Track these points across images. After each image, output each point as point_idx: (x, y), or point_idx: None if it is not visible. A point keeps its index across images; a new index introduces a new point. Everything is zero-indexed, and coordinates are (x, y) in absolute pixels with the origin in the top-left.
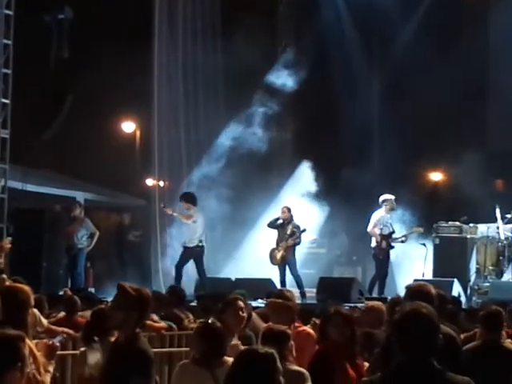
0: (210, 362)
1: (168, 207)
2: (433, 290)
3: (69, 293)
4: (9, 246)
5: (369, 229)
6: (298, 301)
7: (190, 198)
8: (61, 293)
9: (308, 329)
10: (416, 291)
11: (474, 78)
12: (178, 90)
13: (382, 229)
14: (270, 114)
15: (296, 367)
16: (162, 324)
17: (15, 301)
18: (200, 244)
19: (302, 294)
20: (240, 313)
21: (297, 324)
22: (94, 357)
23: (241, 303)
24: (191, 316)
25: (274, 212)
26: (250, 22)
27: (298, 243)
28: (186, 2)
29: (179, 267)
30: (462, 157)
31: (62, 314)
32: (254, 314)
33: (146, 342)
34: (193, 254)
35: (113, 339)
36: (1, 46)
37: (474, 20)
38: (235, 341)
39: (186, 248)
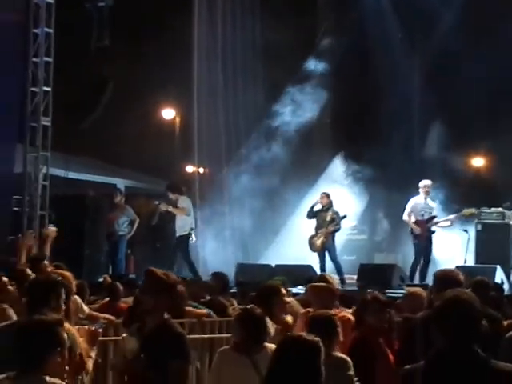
0: (249, 349)
1: (163, 203)
2: (461, 276)
3: (108, 279)
4: (54, 233)
5: (403, 217)
6: (338, 287)
7: (175, 188)
8: (100, 279)
9: (348, 314)
10: (444, 278)
11: None
12: (217, 76)
13: (423, 215)
14: (309, 98)
15: (340, 354)
16: (203, 310)
17: None
18: (190, 231)
19: (342, 281)
20: (285, 300)
21: (337, 310)
22: (132, 343)
23: (284, 291)
24: (235, 303)
25: (314, 198)
26: (290, 4)
27: (338, 229)
28: None
29: (187, 259)
30: (504, 142)
31: (105, 300)
32: (293, 301)
33: (178, 326)
34: (184, 241)
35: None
36: (42, 34)
37: None
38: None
39: (180, 237)
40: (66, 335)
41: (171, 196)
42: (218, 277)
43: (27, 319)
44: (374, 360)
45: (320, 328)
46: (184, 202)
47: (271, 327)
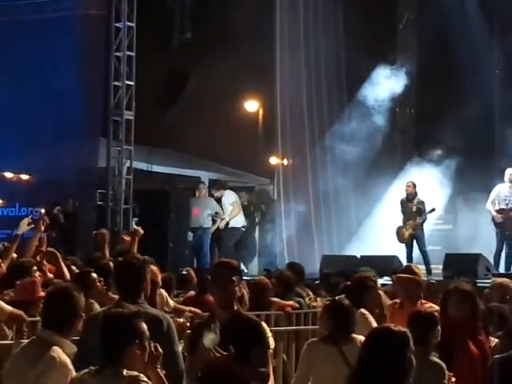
0: (338, 339)
1: (219, 217)
2: None
3: (191, 273)
4: (142, 231)
5: (487, 205)
6: (424, 277)
7: (217, 184)
8: (184, 272)
9: (435, 306)
10: None
11: None
12: (299, 68)
13: (507, 203)
14: (391, 91)
15: (436, 359)
16: (290, 302)
17: None
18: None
19: (428, 271)
20: (378, 292)
21: (423, 301)
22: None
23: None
24: (311, 293)
25: (399, 188)
26: None
27: (425, 219)
28: None
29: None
30: None
31: (192, 293)
32: (381, 292)
33: (250, 316)
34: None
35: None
36: (124, 28)
37: None
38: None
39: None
40: (144, 326)
41: (216, 193)
42: (293, 267)
43: (105, 313)
44: (454, 352)
45: (420, 325)
46: (230, 196)
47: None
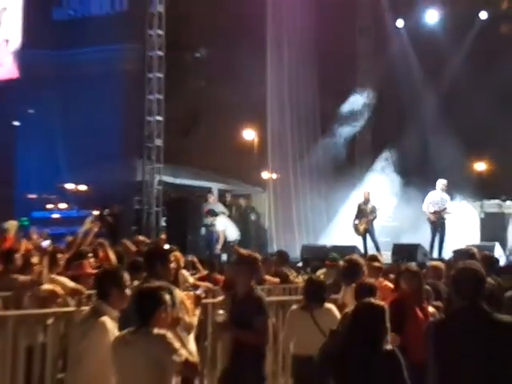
0: (311, 307)
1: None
2: (475, 251)
3: (194, 259)
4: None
5: (423, 207)
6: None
7: (211, 212)
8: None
9: (388, 283)
10: (462, 253)
11: None
12: (284, 106)
13: (439, 206)
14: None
15: None
16: (276, 279)
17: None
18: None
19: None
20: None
21: (381, 279)
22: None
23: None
24: (294, 272)
25: (358, 193)
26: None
27: (375, 217)
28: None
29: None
30: None
31: (203, 273)
32: None
33: (260, 292)
34: None
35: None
36: (154, 77)
37: None
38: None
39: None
40: (168, 297)
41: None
42: (281, 253)
43: (139, 287)
44: (406, 317)
45: (365, 293)
46: (221, 222)
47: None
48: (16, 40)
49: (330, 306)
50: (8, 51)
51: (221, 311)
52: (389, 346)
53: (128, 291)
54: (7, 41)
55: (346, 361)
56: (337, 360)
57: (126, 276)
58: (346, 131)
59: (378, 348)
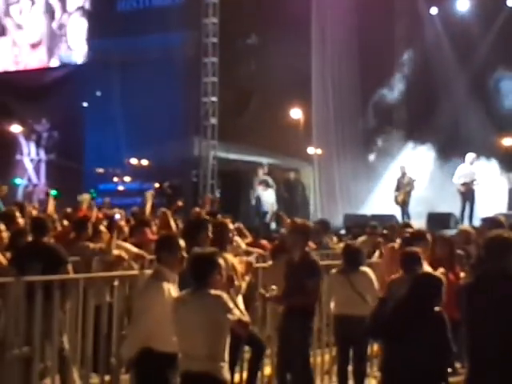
0: (347, 270)
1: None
2: (503, 219)
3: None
4: (214, 198)
5: (453, 179)
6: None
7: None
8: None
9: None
10: (490, 221)
11: None
12: (327, 88)
13: (467, 179)
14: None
15: None
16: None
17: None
18: None
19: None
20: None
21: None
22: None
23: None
24: (335, 239)
25: (395, 166)
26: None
27: (412, 189)
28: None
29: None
30: None
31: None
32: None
33: (315, 256)
34: None
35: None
36: (209, 62)
37: None
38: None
39: None
40: (221, 260)
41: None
42: (322, 222)
43: (193, 253)
44: None
45: (413, 262)
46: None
47: None
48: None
49: (365, 269)
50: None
51: (274, 286)
52: (437, 308)
53: (184, 254)
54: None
55: (399, 324)
56: (390, 324)
57: (182, 242)
58: (383, 108)
59: (431, 312)
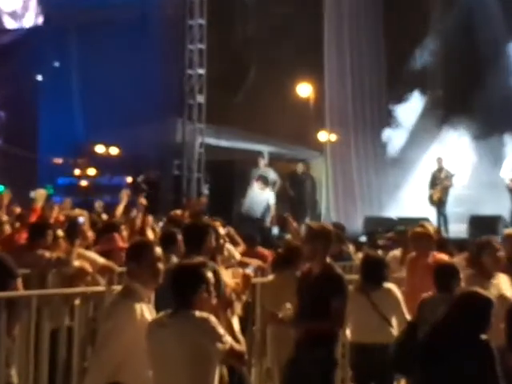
0: (366, 288)
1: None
2: None
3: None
4: (205, 201)
5: (500, 173)
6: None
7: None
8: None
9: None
10: None
11: None
12: (344, 58)
13: None
14: (424, 72)
15: None
16: None
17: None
18: None
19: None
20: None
21: (435, 253)
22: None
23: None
24: (351, 247)
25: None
26: None
27: (451, 185)
28: None
29: None
30: None
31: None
32: None
33: (338, 269)
34: None
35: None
36: (196, 25)
37: None
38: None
39: None
40: (210, 274)
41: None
42: (336, 226)
43: (175, 264)
44: None
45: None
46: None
47: None
48: None
49: (389, 285)
50: None
51: (288, 305)
52: (483, 336)
53: (161, 266)
54: None
55: (434, 355)
56: (423, 354)
57: (158, 250)
58: (414, 81)
59: (476, 341)
